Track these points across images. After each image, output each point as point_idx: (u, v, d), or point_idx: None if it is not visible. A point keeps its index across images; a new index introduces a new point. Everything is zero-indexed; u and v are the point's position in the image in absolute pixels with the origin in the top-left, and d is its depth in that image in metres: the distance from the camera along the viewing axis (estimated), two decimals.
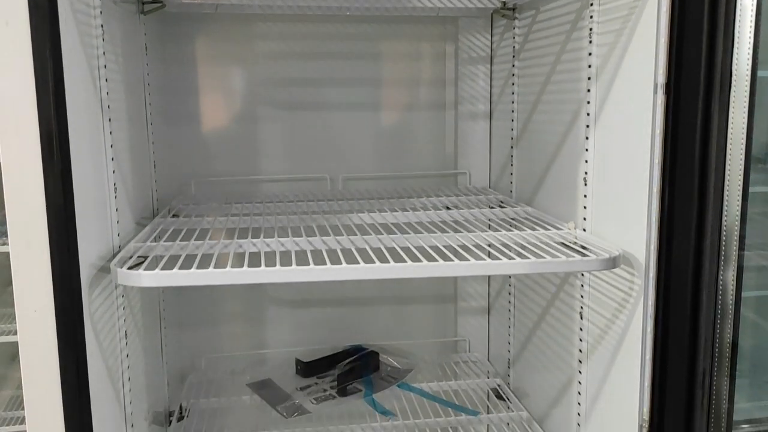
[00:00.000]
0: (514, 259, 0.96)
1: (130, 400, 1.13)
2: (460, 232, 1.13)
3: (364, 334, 1.71)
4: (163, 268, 0.91)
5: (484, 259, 0.96)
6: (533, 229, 1.15)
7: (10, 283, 0.85)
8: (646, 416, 0.99)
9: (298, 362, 1.59)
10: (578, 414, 1.22)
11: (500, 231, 1.13)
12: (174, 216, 1.32)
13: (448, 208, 1.38)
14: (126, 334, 1.12)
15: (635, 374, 1.00)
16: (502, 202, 1.45)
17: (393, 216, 1.27)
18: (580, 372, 1.21)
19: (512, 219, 1.28)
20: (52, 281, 0.85)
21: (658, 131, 0.94)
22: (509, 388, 1.55)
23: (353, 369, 1.56)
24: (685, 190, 0.94)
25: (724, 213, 0.95)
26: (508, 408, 1.46)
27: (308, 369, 1.58)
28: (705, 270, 0.94)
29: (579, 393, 1.21)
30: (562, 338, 1.28)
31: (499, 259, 0.96)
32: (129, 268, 0.91)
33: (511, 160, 1.53)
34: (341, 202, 1.43)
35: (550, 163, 1.31)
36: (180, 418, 1.44)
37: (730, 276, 0.94)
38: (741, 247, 0.95)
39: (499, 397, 1.52)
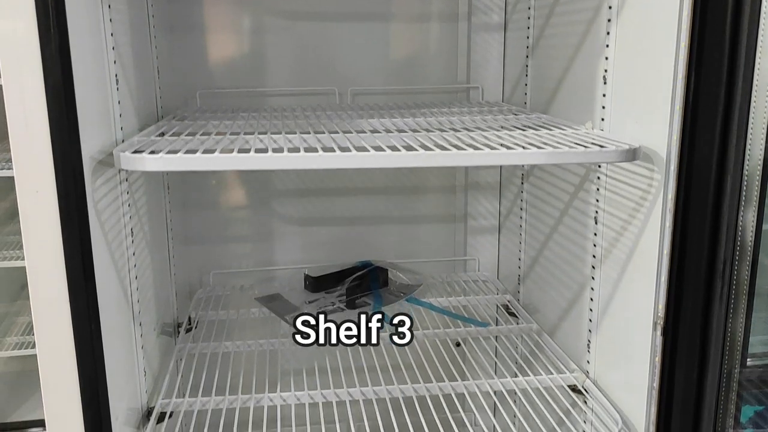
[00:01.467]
0: (528, 149, 0.93)
1: (138, 299, 1.12)
2: (473, 131, 1.09)
3: (373, 253, 1.70)
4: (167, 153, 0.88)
5: (497, 149, 0.93)
6: (549, 130, 1.11)
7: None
8: (662, 312, 0.97)
9: (307, 277, 1.58)
10: (590, 320, 1.20)
11: (514, 131, 1.09)
12: (179, 120, 1.29)
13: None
14: (132, 232, 1.10)
15: (651, 272, 0.98)
16: (515, 112, 1.41)
17: (403, 122, 1.24)
18: (593, 278, 1.19)
19: (526, 124, 1.24)
20: (53, 163, 0.82)
21: (684, 25, 0.89)
22: (519, 303, 1.54)
23: (362, 284, 1.54)
24: (711, 86, 0.89)
25: (751, 115, 0.91)
26: (518, 321, 1.45)
27: (317, 284, 1.57)
28: (729, 164, 0.90)
29: (591, 299, 1.19)
30: (575, 247, 1.26)
31: (513, 149, 0.93)
32: (133, 152, 0.88)
33: (525, 70, 1.48)
34: (351, 112, 1.39)
35: (567, 69, 1.27)
36: (188, 330, 1.44)
37: (755, 166, 0.90)
38: None
39: (509, 312, 1.51)
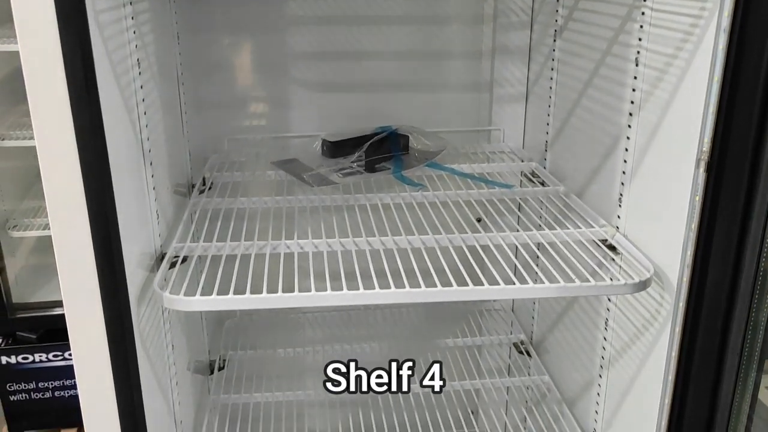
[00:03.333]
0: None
1: (149, 148, 1.07)
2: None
3: (393, 122, 1.62)
4: None
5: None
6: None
7: None
8: (707, 147, 0.90)
9: (324, 142, 1.52)
10: (623, 173, 1.14)
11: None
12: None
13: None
14: (139, 65, 1.03)
15: (698, 104, 0.90)
16: (534, 176, 1.40)
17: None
18: (629, 126, 1.11)
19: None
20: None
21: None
22: (546, 170, 1.47)
23: (381, 148, 1.48)
24: None
25: None
26: (544, 184, 1.39)
27: (335, 148, 1.50)
28: None
29: (626, 149, 1.12)
30: (610, 97, 1.17)
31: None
32: None
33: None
34: None
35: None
36: (202, 190, 1.40)
37: None
38: None
39: (535, 176, 1.45)
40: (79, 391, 0.93)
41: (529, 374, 1.53)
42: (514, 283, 0.98)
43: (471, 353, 1.62)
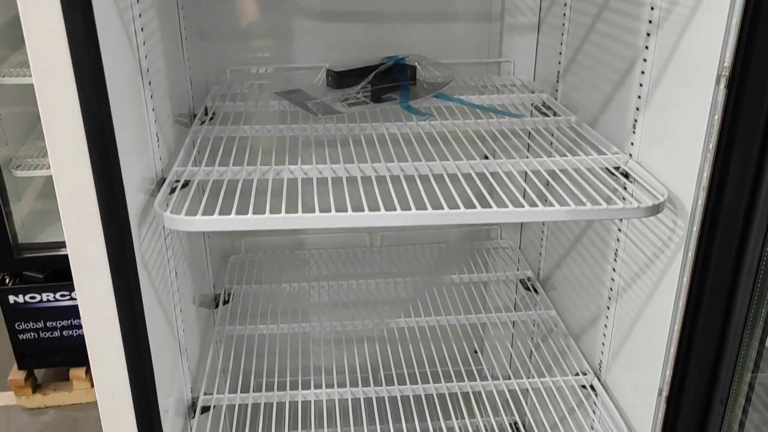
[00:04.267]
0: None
1: (149, 81, 1.04)
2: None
3: (400, 52, 1.58)
4: None
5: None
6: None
7: None
8: (728, 62, 0.86)
9: (329, 72, 1.47)
10: (638, 97, 1.10)
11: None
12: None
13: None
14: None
15: (720, 18, 0.86)
16: (545, 108, 1.34)
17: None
18: (646, 47, 1.06)
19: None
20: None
21: None
22: (557, 101, 1.43)
23: (388, 78, 1.43)
24: None
25: None
26: (555, 114, 1.35)
27: (340, 79, 1.46)
28: None
29: (642, 72, 1.08)
30: (627, 19, 1.12)
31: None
32: None
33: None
34: None
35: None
36: (203, 120, 1.36)
37: None
38: None
39: (546, 107, 1.41)
40: (82, 315, 0.92)
41: (535, 308, 1.52)
42: (523, 206, 0.95)
43: (477, 289, 1.61)
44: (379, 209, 0.94)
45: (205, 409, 1.20)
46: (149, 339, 0.96)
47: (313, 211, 0.93)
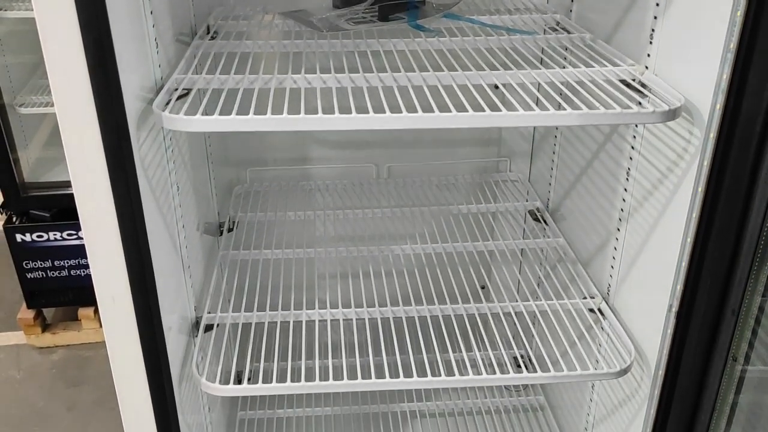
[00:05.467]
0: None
1: None
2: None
3: None
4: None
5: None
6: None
7: None
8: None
9: None
10: (656, 4, 1.05)
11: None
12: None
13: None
14: None
15: None
16: (560, 25, 1.26)
17: None
18: None
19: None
20: None
21: None
22: (571, 21, 1.38)
23: None
24: None
25: None
26: (569, 32, 1.30)
27: None
28: None
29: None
30: None
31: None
32: None
33: None
34: None
35: None
36: (204, 38, 1.33)
37: None
38: None
39: (560, 26, 1.36)
40: (80, 217, 0.90)
41: (544, 237, 1.49)
42: (533, 110, 0.92)
43: (485, 220, 1.58)
44: (384, 112, 0.91)
45: (209, 328, 1.19)
46: (150, 246, 0.95)
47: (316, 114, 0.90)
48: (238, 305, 1.28)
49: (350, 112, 0.93)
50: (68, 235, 2.44)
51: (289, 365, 1.11)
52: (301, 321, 1.22)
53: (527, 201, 1.63)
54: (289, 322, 1.22)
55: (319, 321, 1.22)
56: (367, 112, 0.91)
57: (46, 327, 2.58)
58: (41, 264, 2.49)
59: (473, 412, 1.64)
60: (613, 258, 1.25)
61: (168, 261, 1.08)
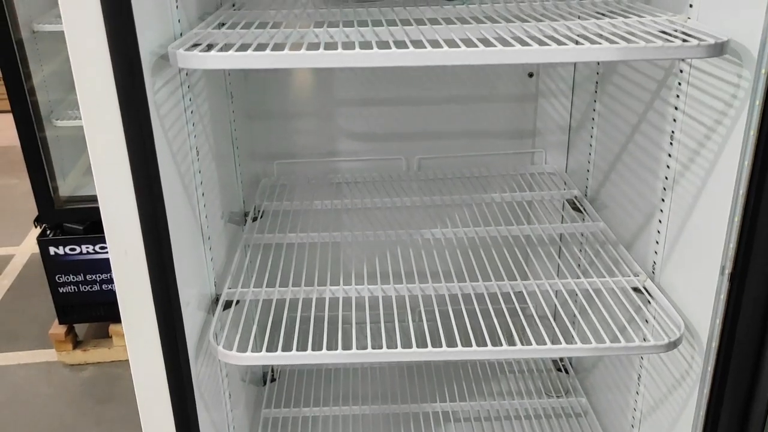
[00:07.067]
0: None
1: None
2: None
3: None
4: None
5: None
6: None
7: None
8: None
9: None
10: None
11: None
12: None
13: None
14: None
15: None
16: None
17: None
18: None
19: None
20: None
21: None
22: None
23: None
24: None
25: None
26: None
27: None
28: None
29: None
30: None
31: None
32: None
33: None
34: None
35: None
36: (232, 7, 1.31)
37: None
38: None
39: None
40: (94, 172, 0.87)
41: (583, 221, 1.41)
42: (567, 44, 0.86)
43: (521, 208, 1.51)
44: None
45: (228, 305, 1.14)
46: (165, 203, 0.90)
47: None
48: (260, 283, 1.23)
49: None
50: (101, 248, 2.43)
51: (310, 339, 1.04)
52: (325, 297, 1.16)
53: (565, 189, 1.55)
54: (311, 298, 1.16)
55: (344, 297, 1.16)
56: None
57: (77, 344, 2.56)
58: (73, 278, 2.48)
59: (510, 416, 1.54)
60: (658, 232, 1.16)
61: (186, 229, 1.04)
